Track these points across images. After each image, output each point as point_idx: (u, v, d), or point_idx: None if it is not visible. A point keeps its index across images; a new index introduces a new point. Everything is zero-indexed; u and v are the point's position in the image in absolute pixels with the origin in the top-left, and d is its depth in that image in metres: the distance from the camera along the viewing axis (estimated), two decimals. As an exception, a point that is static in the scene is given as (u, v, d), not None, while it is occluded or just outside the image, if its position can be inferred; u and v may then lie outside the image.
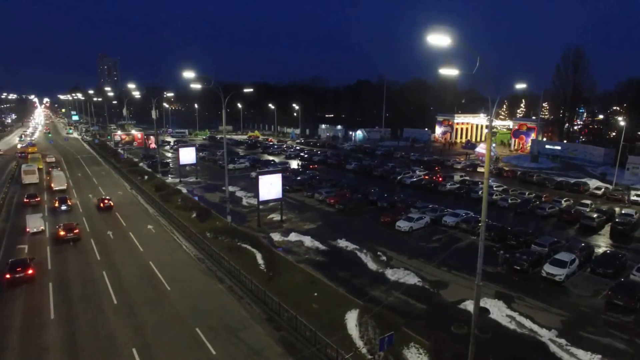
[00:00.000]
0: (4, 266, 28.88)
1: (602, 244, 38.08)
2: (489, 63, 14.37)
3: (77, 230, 36.99)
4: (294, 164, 79.29)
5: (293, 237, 37.65)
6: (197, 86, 49.06)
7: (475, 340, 18.07)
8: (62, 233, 36.32)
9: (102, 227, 40.71)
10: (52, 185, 55.67)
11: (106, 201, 47.09)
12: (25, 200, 49.18)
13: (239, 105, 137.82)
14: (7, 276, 27.61)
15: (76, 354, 21.04)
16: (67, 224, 38.03)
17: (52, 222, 41.54)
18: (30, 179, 58.80)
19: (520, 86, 21.49)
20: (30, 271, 28.47)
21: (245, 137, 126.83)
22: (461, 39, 13.20)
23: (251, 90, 62.90)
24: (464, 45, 13.40)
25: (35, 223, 38.75)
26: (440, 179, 60.51)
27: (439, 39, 12.80)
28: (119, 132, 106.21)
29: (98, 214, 45.40)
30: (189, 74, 36.13)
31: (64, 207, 45.92)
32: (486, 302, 25.70)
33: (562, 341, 22.18)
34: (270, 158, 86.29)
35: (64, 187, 55.66)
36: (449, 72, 14.82)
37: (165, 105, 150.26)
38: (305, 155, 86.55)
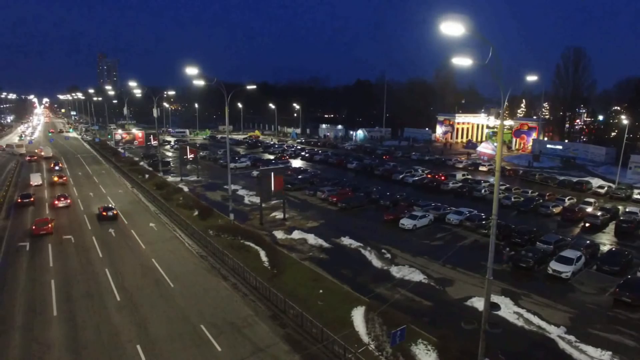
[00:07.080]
0: (17, 196, 48.69)
1: (606, 242, 37.88)
2: (500, 55, 14.18)
3: (65, 178, 59.57)
4: (296, 163, 79.09)
5: (296, 234, 37.43)
6: (200, 83, 48.86)
7: (485, 336, 17.83)
8: (55, 179, 58.54)
9: (103, 225, 40.43)
10: (42, 154, 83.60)
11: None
12: (27, 158, 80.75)
13: (239, 105, 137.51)
14: (19, 200, 46.78)
15: (79, 351, 20.76)
16: (60, 174, 60.66)
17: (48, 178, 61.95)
18: (20, 150, 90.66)
19: (532, 78, 21.18)
20: (32, 199, 47.18)
21: (245, 136, 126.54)
22: (474, 29, 12.97)
23: (254, 87, 62.08)
24: (477, 34, 13.17)
25: (36, 179, 58.00)
26: (443, 177, 60.31)
27: (452, 28, 12.55)
28: (120, 131, 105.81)
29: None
30: (192, 70, 35.78)
31: (57, 168, 67.79)
32: (492, 299, 25.43)
33: (572, 338, 21.99)
34: (272, 157, 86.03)
35: (51, 155, 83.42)
36: (462, 61, 14.59)
37: (166, 105, 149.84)
38: (278, 149, 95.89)
